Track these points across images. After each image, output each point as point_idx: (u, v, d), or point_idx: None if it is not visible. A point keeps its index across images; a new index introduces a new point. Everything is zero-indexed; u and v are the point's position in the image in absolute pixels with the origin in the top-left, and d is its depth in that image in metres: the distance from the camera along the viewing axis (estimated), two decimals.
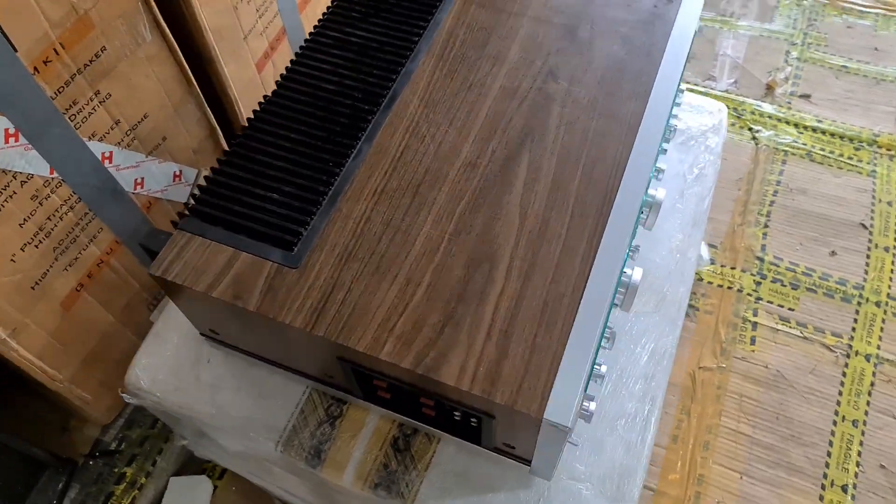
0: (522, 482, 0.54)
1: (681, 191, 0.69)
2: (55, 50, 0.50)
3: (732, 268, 0.91)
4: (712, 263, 0.91)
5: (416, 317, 0.46)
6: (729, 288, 0.89)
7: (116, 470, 0.72)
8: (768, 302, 0.88)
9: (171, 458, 0.75)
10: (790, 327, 0.86)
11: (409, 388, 0.47)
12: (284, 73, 0.58)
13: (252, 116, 0.56)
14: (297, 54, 0.60)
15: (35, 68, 0.49)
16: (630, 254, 0.53)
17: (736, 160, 1.01)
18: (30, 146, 0.50)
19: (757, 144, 1.02)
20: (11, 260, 0.53)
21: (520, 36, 0.60)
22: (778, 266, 0.91)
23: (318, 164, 0.53)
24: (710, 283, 0.90)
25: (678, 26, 0.59)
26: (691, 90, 1.09)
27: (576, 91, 0.56)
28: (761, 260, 0.91)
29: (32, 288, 0.56)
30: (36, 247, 0.55)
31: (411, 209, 0.50)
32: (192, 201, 0.52)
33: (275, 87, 0.57)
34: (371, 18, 0.62)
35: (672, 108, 0.56)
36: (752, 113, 1.06)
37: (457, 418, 0.49)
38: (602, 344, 0.54)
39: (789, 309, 0.87)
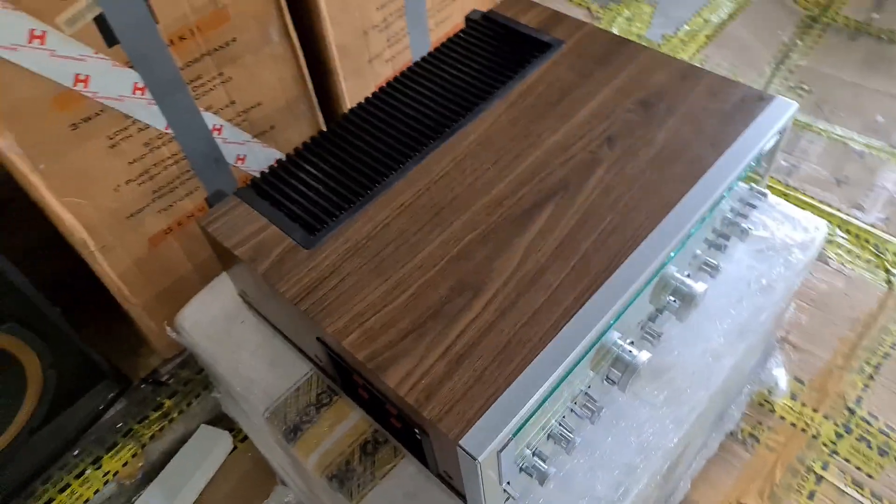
0: None
1: (740, 297, 0.64)
2: (191, 30, 0.61)
3: (815, 410, 0.81)
4: (792, 399, 0.82)
5: (388, 319, 0.48)
6: (803, 430, 0.79)
7: (158, 399, 0.81)
8: (845, 460, 0.77)
9: (205, 406, 0.83)
10: (861, 495, 0.74)
11: (367, 385, 0.49)
12: (377, 91, 0.65)
13: (337, 120, 0.63)
14: (395, 78, 0.67)
15: (171, 41, 0.60)
16: (617, 327, 0.51)
17: (859, 299, 0.91)
18: (153, 102, 0.62)
19: (890, 289, 0.91)
20: (115, 189, 0.65)
21: (595, 101, 0.61)
22: (870, 424, 0.79)
23: (366, 170, 0.58)
24: (782, 418, 0.81)
25: (757, 125, 0.57)
26: (829, 215, 1.00)
27: (625, 161, 0.56)
28: (852, 412, 0.80)
29: (127, 218, 0.68)
30: (139, 185, 0.66)
31: (426, 227, 0.53)
32: None
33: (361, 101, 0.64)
34: (467, 61, 0.67)
35: (719, 201, 0.54)
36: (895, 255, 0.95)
37: (417, 437, 0.50)
38: (582, 414, 0.52)
39: (868, 475, 0.75)
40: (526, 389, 0.44)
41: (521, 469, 0.49)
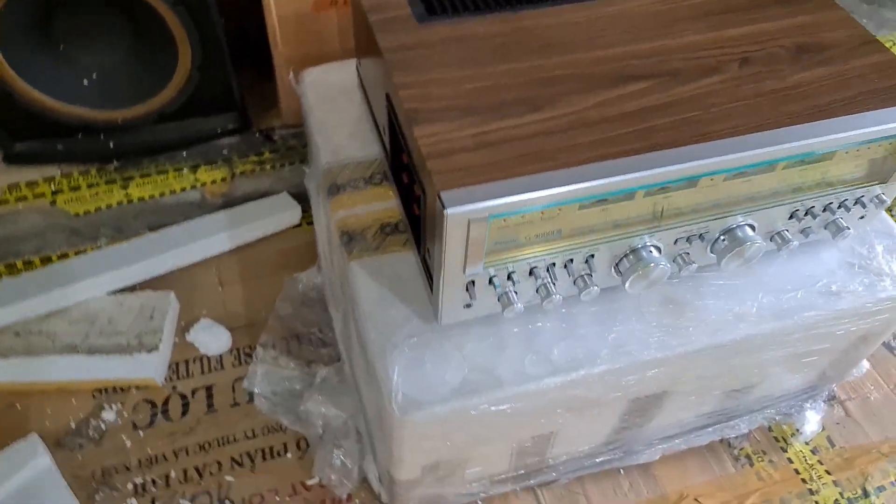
0: (425, 314, 0.56)
1: (799, 287, 0.60)
2: None
3: (828, 472, 0.73)
4: (812, 452, 0.75)
5: (448, 94, 0.51)
6: (804, 481, 0.73)
7: (263, 149, 0.91)
8: None
9: (294, 177, 0.92)
10: None
11: (407, 154, 0.53)
12: None
13: None
14: None
15: None
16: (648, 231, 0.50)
17: None
18: None
19: None
20: None
21: (753, 27, 0.58)
22: None
23: None
24: (790, 460, 0.74)
25: None
26: None
27: (746, 81, 0.54)
28: (866, 494, 0.72)
29: None
30: None
31: (529, 51, 0.55)
32: None
33: None
34: None
35: (809, 154, 0.50)
36: None
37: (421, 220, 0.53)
38: (574, 275, 0.52)
39: None
40: (522, 188, 0.45)
41: (490, 281, 0.51)
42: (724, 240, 0.55)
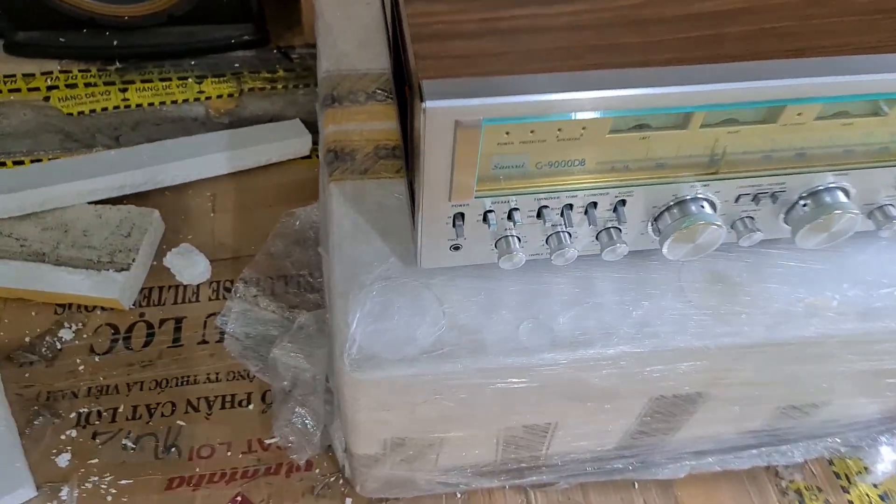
0: (406, 256, 0.45)
1: (856, 281, 0.46)
2: None
3: None
4: (882, 498, 0.61)
5: None
6: None
7: (276, 67, 0.82)
8: None
9: (307, 102, 0.82)
10: None
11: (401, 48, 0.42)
12: None
13: None
14: None
15: None
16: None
17: None
18: None
19: None
20: None
21: None
22: None
23: None
24: (850, 502, 0.60)
25: None
26: None
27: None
28: None
29: None
30: None
31: None
32: None
33: None
34: None
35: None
36: None
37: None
38: (595, 224, 0.40)
39: None
40: (530, 87, 0.33)
41: (484, 217, 0.39)
42: (805, 204, 0.42)
